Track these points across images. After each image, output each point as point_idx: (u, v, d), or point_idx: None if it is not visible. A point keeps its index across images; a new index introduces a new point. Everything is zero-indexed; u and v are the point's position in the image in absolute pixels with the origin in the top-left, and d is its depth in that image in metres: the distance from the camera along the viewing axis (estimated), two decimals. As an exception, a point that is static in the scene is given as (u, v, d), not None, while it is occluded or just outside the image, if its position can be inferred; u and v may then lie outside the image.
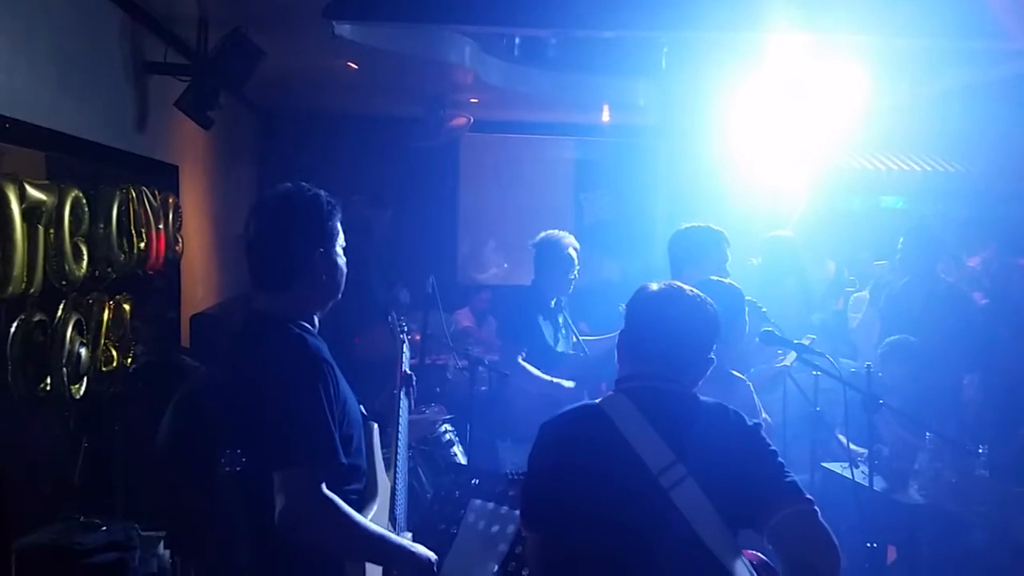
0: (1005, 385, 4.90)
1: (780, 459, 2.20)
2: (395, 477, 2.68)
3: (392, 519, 2.57)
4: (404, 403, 2.94)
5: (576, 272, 4.73)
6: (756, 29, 4.66)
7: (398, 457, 2.74)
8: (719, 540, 2.08)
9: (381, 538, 2.33)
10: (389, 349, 5.67)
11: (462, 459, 4.90)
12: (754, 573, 2.14)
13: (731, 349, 3.59)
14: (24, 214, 3.08)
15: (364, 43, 5.04)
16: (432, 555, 2.41)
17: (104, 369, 3.94)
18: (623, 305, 2.46)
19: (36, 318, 3.28)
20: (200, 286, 6.11)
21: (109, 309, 3.95)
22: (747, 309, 3.58)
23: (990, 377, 5.08)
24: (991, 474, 4.14)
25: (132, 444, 4.10)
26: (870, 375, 3.84)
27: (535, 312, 4.65)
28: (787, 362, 4.13)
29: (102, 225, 3.81)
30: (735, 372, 3.46)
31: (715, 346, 2.37)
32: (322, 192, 2.45)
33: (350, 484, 2.37)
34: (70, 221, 3.44)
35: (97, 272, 3.80)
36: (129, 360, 4.20)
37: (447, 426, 5.10)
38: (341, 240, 2.46)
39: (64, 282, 3.46)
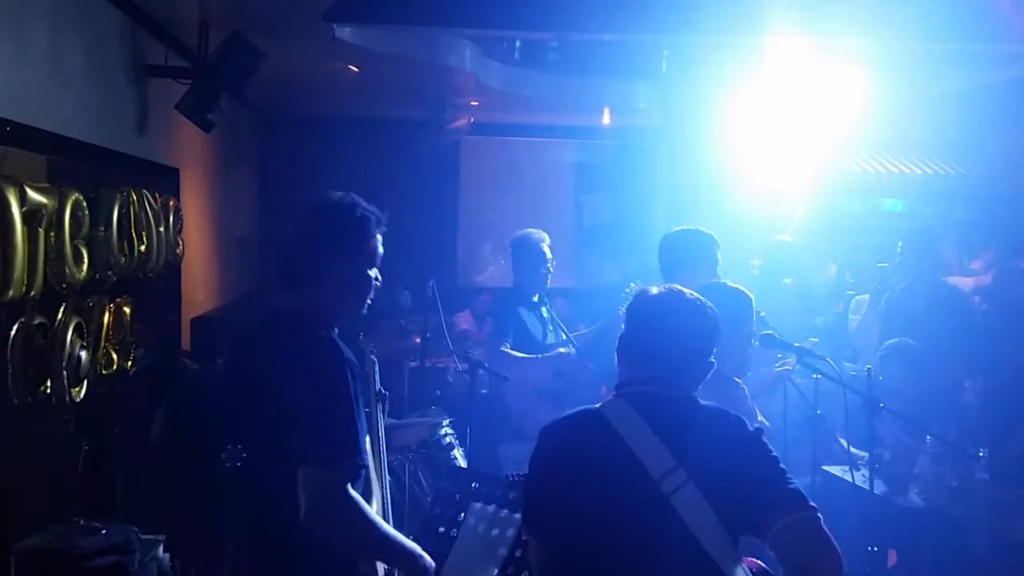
0: (1006, 388, 4.89)
1: (782, 465, 2.20)
2: (383, 484, 2.70)
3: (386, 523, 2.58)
4: (381, 419, 2.96)
5: (551, 265, 4.99)
6: (757, 32, 4.66)
7: (382, 469, 2.78)
8: (719, 546, 2.08)
9: (396, 540, 2.36)
10: (392, 351, 5.67)
11: (462, 462, 4.90)
12: None
13: (737, 353, 3.60)
14: (25, 217, 3.08)
15: (365, 46, 5.04)
16: (433, 564, 2.42)
17: (104, 372, 3.94)
18: (623, 309, 2.46)
19: (36, 321, 3.28)
20: (200, 289, 6.11)
21: (109, 312, 3.95)
22: (755, 313, 3.58)
23: (991, 380, 5.08)
24: (992, 477, 4.14)
25: (132, 447, 4.10)
26: (870, 378, 3.84)
27: (515, 304, 4.94)
28: (788, 366, 4.13)
29: (102, 228, 3.81)
30: (735, 378, 3.46)
31: (715, 350, 2.37)
32: (374, 212, 2.47)
33: (356, 484, 2.38)
34: (70, 224, 3.44)
35: (97, 275, 3.79)
36: (129, 363, 4.19)
37: (447, 429, 5.11)
38: (378, 260, 2.48)
39: (64, 285, 3.46)
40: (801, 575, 2.07)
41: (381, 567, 2.45)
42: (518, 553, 2.70)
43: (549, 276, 5.00)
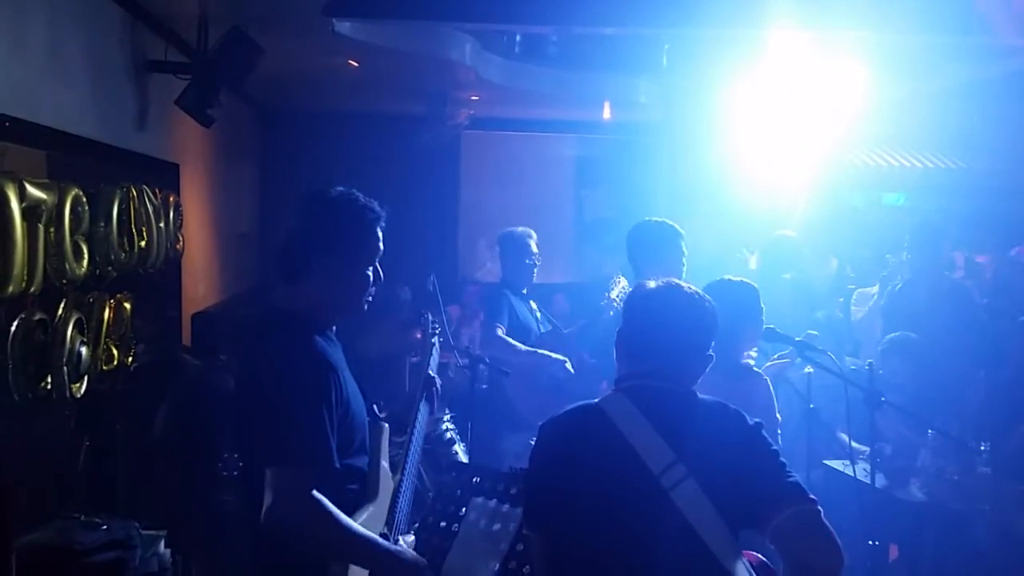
0: (1008, 382, 4.89)
1: (782, 459, 2.20)
2: (401, 480, 2.67)
3: (391, 522, 2.56)
4: (424, 408, 2.94)
5: (536, 259, 5.14)
6: (757, 26, 4.65)
7: (407, 461, 2.74)
8: (719, 540, 2.07)
9: (367, 542, 2.31)
10: (393, 347, 5.69)
11: (463, 457, 4.90)
12: (754, 574, 2.13)
13: (749, 346, 3.62)
14: (24, 213, 3.08)
15: (364, 40, 5.04)
16: (423, 560, 2.40)
17: (105, 368, 3.93)
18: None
19: (37, 317, 3.27)
20: (201, 284, 6.11)
21: (110, 308, 3.94)
22: (763, 308, 3.60)
23: (993, 374, 5.07)
24: (993, 471, 4.14)
25: (133, 443, 4.10)
26: (872, 372, 3.83)
27: (505, 291, 5.08)
28: (787, 360, 4.13)
29: (103, 224, 3.80)
30: (756, 368, 3.48)
31: (713, 343, 2.36)
32: (374, 207, 2.45)
33: (346, 484, 2.37)
34: (70, 220, 3.44)
35: (98, 271, 3.79)
36: (130, 359, 4.19)
37: (449, 424, 5.10)
38: (378, 256, 2.47)
39: (65, 281, 3.45)
40: (802, 568, 2.07)
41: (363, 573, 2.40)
42: (519, 547, 2.70)
43: (535, 269, 5.14)
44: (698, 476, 2.10)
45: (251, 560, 2.39)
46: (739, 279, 3.61)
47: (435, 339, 3.21)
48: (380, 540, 2.38)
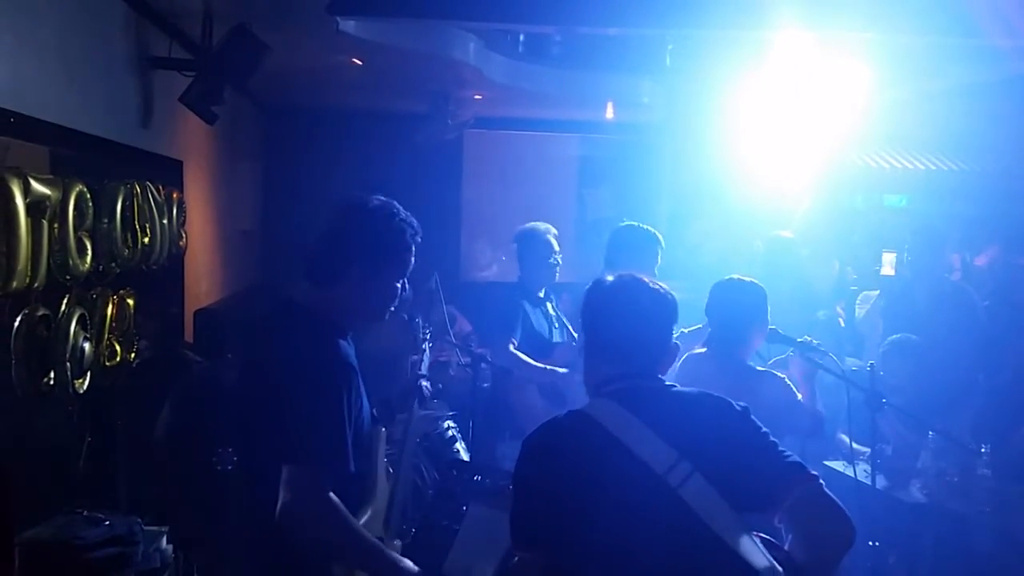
0: (1008, 384, 4.89)
1: (773, 438, 2.20)
2: (394, 485, 2.68)
3: (386, 526, 2.57)
4: (417, 413, 2.95)
5: (557, 258, 4.88)
6: (760, 27, 4.65)
7: (401, 467, 2.75)
8: (732, 530, 2.06)
9: (374, 549, 2.33)
10: (394, 345, 5.69)
11: (464, 456, 4.90)
12: (769, 557, 2.08)
13: (755, 345, 3.64)
14: (28, 208, 3.08)
15: (368, 39, 5.04)
16: (416, 568, 2.39)
17: (107, 364, 3.94)
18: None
19: (40, 313, 3.28)
20: (204, 281, 6.12)
21: (113, 304, 3.95)
22: (769, 308, 3.61)
23: (993, 376, 5.08)
24: (993, 473, 4.14)
25: (135, 439, 4.11)
26: (873, 374, 3.83)
27: (520, 300, 4.82)
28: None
29: (106, 220, 3.81)
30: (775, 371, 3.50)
31: (675, 331, 2.33)
32: (413, 222, 2.46)
33: (348, 487, 2.37)
34: (74, 216, 3.44)
35: (101, 267, 3.80)
36: (133, 355, 4.20)
37: (450, 423, 5.11)
38: (408, 270, 2.48)
39: (68, 277, 3.46)
40: (820, 541, 2.11)
41: None
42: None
43: (557, 269, 4.90)
44: (703, 470, 2.08)
45: (254, 556, 2.39)
46: (748, 279, 3.63)
47: (425, 344, 3.22)
48: (385, 548, 2.39)
